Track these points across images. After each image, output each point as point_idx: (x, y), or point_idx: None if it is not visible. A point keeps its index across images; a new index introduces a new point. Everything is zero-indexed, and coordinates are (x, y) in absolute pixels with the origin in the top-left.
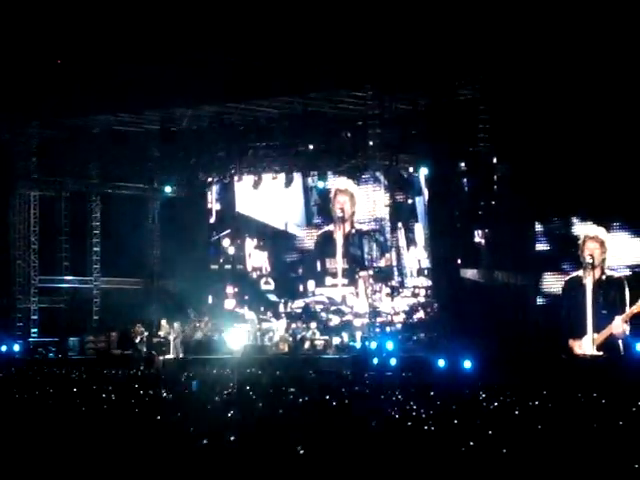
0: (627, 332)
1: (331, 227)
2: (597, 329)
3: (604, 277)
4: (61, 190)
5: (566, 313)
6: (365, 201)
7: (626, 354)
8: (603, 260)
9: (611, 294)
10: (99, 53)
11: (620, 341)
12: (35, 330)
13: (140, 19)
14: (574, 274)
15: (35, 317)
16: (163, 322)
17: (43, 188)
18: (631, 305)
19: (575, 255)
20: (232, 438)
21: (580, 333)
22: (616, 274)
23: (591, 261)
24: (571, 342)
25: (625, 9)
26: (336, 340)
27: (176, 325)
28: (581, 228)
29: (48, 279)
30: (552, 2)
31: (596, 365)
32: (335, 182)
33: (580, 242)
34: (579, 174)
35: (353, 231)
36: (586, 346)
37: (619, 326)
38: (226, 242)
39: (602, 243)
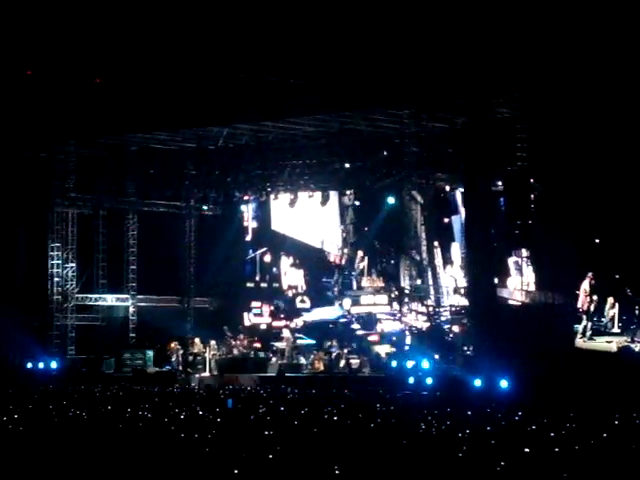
0: None
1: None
2: None
3: None
4: (98, 208)
5: None
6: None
7: None
8: None
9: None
10: (137, 72)
11: None
12: (72, 347)
13: (179, 39)
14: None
15: (72, 334)
16: (197, 340)
17: (80, 206)
18: None
19: None
20: (270, 456)
21: None
22: None
23: None
24: None
25: None
26: (372, 359)
27: (212, 343)
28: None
29: (85, 297)
30: (594, 23)
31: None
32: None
33: None
34: (617, 194)
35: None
36: None
37: None
38: (262, 260)
39: None
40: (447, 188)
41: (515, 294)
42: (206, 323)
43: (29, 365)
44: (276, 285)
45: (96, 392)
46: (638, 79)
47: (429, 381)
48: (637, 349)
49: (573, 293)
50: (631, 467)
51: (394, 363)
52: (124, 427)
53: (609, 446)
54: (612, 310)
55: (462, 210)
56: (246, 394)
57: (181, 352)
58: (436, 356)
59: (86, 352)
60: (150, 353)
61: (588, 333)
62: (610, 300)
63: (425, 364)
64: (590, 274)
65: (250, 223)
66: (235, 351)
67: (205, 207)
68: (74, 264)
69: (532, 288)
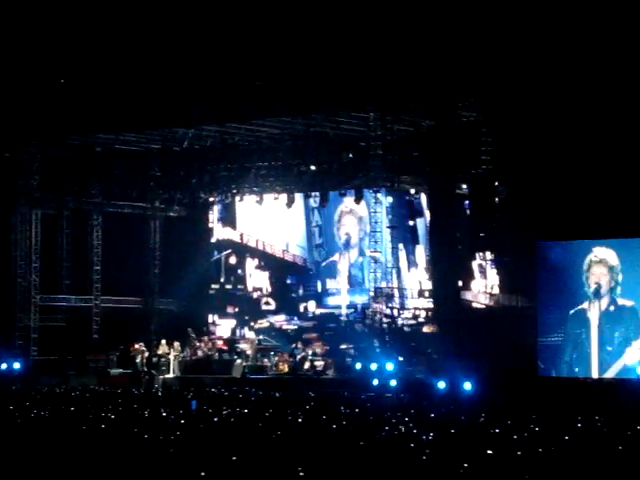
0: None
1: (336, 257)
2: (606, 367)
3: (612, 308)
4: (62, 208)
5: (569, 355)
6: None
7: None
8: (612, 288)
9: (621, 329)
10: (101, 73)
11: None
12: (35, 348)
13: (143, 41)
14: (578, 307)
15: (35, 335)
16: (163, 341)
17: (44, 206)
18: None
19: (580, 282)
20: (233, 458)
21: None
22: (628, 303)
23: (597, 290)
24: None
25: (626, 31)
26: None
27: (176, 344)
28: (587, 252)
29: (49, 297)
30: (553, 26)
31: (602, 388)
32: (341, 204)
33: (585, 268)
34: (582, 197)
35: (360, 259)
36: None
37: (634, 354)
38: (227, 262)
39: (611, 268)
40: (412, 191)
41: (479, 297)
42: (170, 325)
43: None
44: (241, 287)
45: (59, 393)
46: (600, 82)
47: (393, 383)
48: None
49: (536, 296)
50: (593, 470)
51: (358, 365)
52: (87, 428)
53: (571, 449)
54: None
55: (427, 213)
56: (210, 396)
57: (145, 354)
58: (400, 358)
59: (49, 353)
60: (114, 355)
61: None
62: None
63: (389, 366)
64: None
65: (215, 225)
66: (199, 353)
67: (170, 208)
68: (37, 264)
69: (496, 291)
